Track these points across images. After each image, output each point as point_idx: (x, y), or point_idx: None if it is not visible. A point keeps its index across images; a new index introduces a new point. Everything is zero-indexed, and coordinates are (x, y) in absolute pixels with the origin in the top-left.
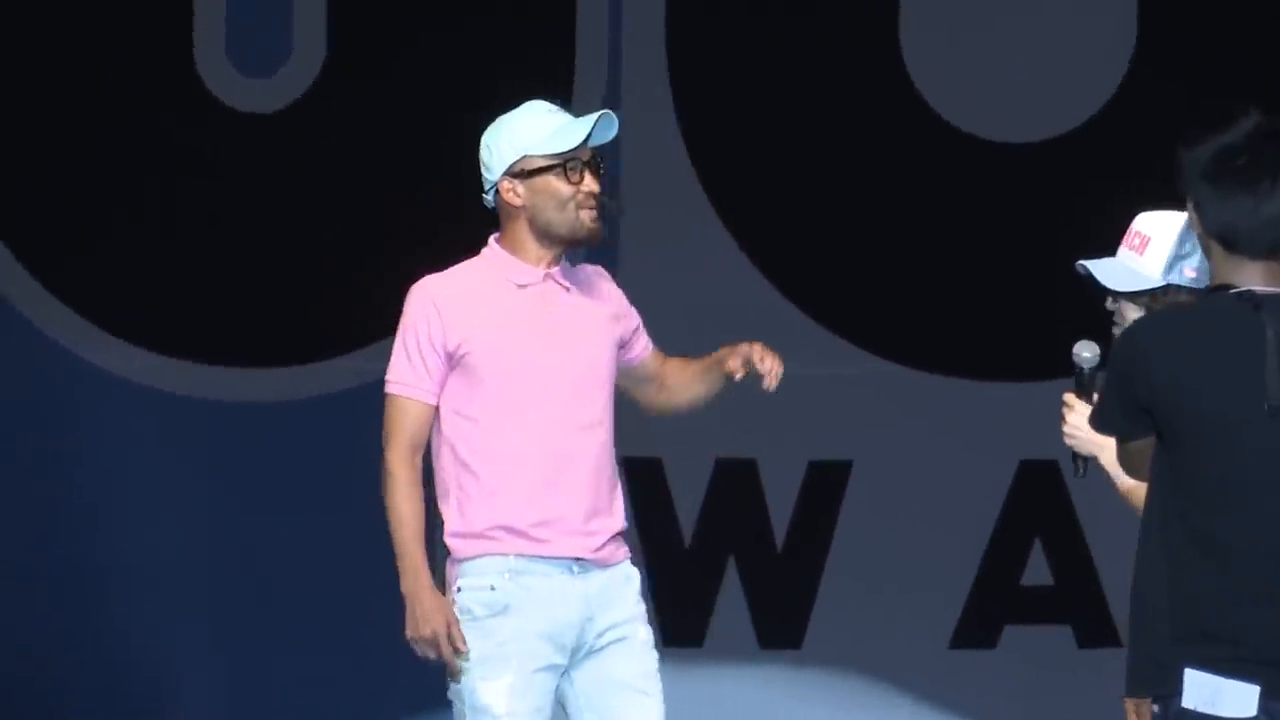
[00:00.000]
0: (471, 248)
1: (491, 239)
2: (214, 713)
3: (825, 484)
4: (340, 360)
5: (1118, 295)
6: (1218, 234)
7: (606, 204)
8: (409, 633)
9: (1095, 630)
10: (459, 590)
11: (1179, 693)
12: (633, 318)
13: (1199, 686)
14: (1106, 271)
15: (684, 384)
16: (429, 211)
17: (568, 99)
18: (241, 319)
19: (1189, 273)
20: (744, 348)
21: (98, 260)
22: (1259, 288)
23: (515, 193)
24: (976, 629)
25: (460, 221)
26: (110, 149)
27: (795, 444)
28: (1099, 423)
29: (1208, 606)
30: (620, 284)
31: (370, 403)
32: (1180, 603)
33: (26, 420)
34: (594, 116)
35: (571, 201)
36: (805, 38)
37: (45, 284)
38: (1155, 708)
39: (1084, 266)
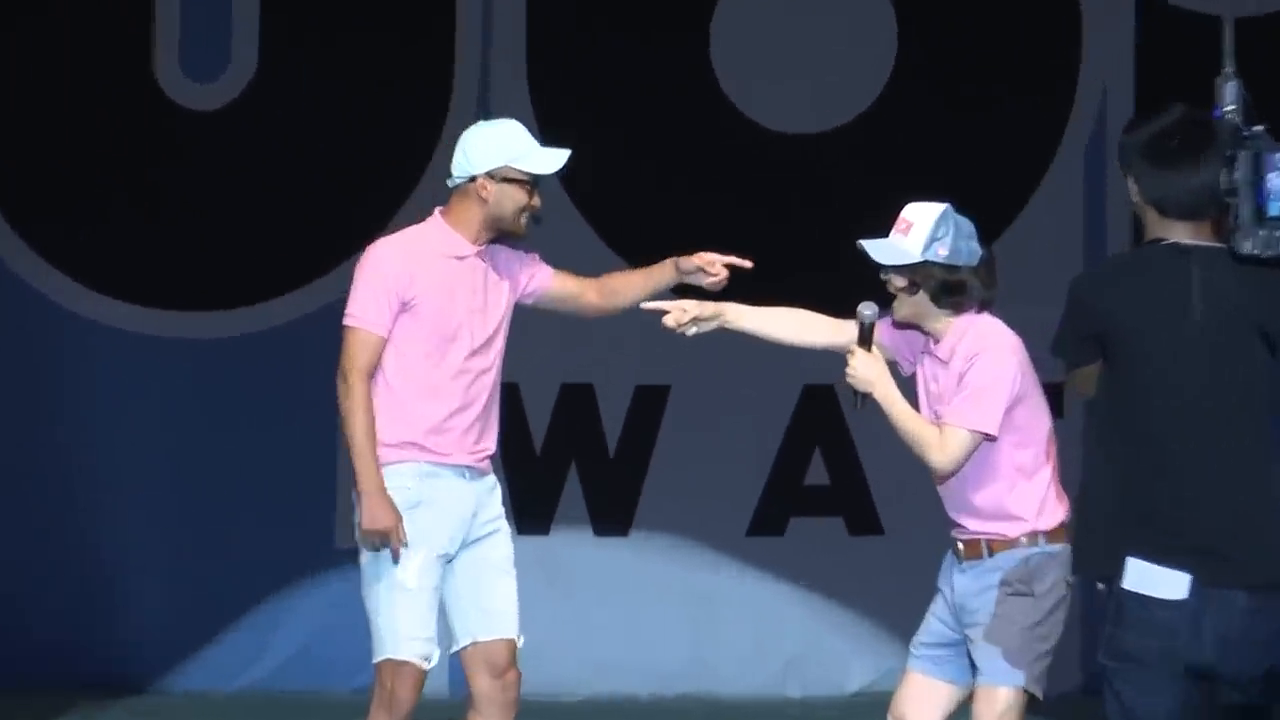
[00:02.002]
0: (361, 218)
1: (437, 211)
2: (167, 586)
3: (649, 404)
4: (268, 304)
5: (886, 268)
6: (1153, 202)
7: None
8: (364, 525)
9: (862, 521)
10: None
11: (1120, 575)
12: (528, 262)
13: (1138, 572)
14: (879, 250)
15: (624, 288)
16: (331, 187)
17: (448, 93)
18: (192, 272)
19: (941, 251)
20: (700, 256)
21: (80, 229)
22: (1186, 241)
23: (487, 189)
24: (768, 520)
25: (352, 192)
26: (90, 139)
27: (625, 372)
28: (1056, 350)
29: (1148, 501)
30: None
31: (294, 338)
32: (1124, 498)
33: (21, 358)
34: (566, 153)
35: (524, 210)
36: (638, 53)
37: (38, 250)
38: (1101, 587)
39: (861, 245)
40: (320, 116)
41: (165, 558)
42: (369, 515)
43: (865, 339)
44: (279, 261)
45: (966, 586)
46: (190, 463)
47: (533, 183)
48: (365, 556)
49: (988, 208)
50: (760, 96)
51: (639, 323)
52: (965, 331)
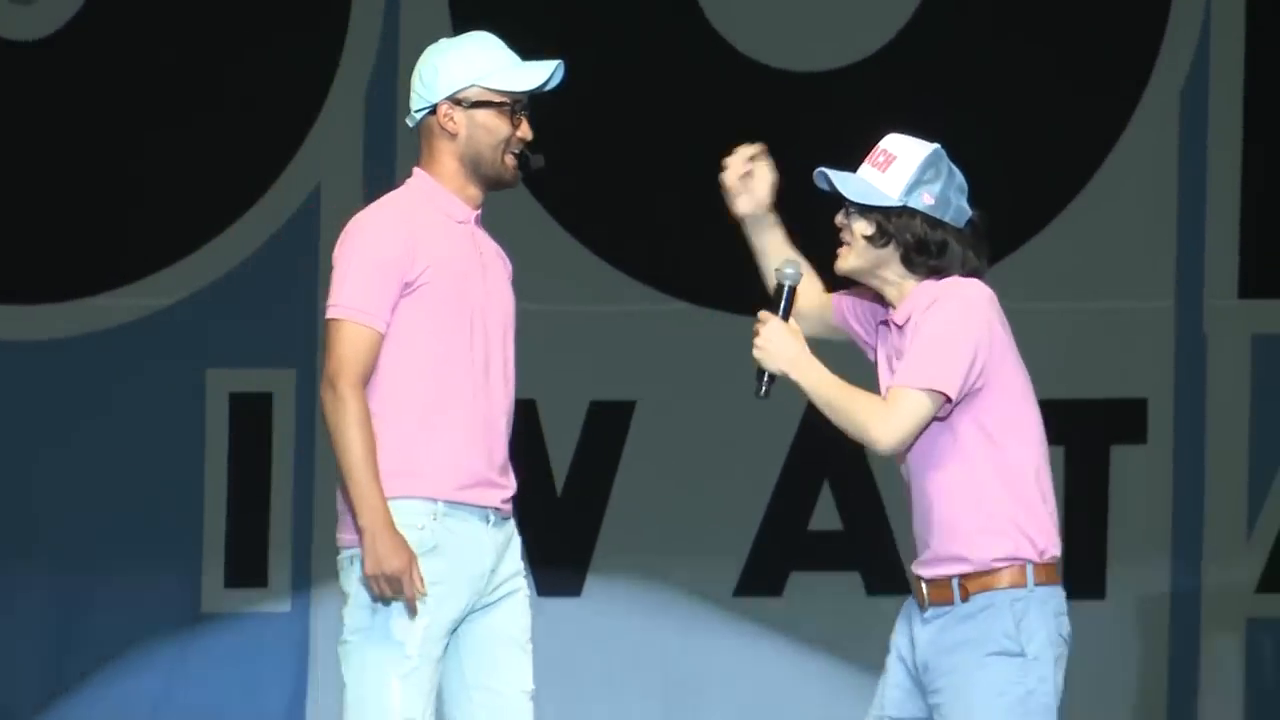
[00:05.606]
0: (227, 188)
1: (416, 170)
2: None
3: (607, 425)
4: (110, 295)
5: (852, 208)
6: None
7: (529, 155)
8: (369, 569)
9: (883, 576)
10: None
11: None
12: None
13: None
14: (847, 183)
15: None
16: (188, 145)
17: (342, 32)
18: (8, 254)
19: (927, 199)
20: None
21: None
22: None
23: (453, 119)
24: (762, 576)
25: (214, 153)
26: None
27: (576, 384)
28: None
29: None
30: None
31: (126, 342)
32: None
33: None
34: (554, 63)
35: (506, 144)
36: None
37: None
38: None
39: (824, 174)
40: (172, 52)
41: None
42: (373, 556)
43: (786, 305)
44: (122, 242)
45: (931, 642)
46: (8, 499)
47: (513, 107)
48: (351, 613)
49: (1048, 173)
50: (756, 27)
51: (594, 325)
52: (928, 290)
